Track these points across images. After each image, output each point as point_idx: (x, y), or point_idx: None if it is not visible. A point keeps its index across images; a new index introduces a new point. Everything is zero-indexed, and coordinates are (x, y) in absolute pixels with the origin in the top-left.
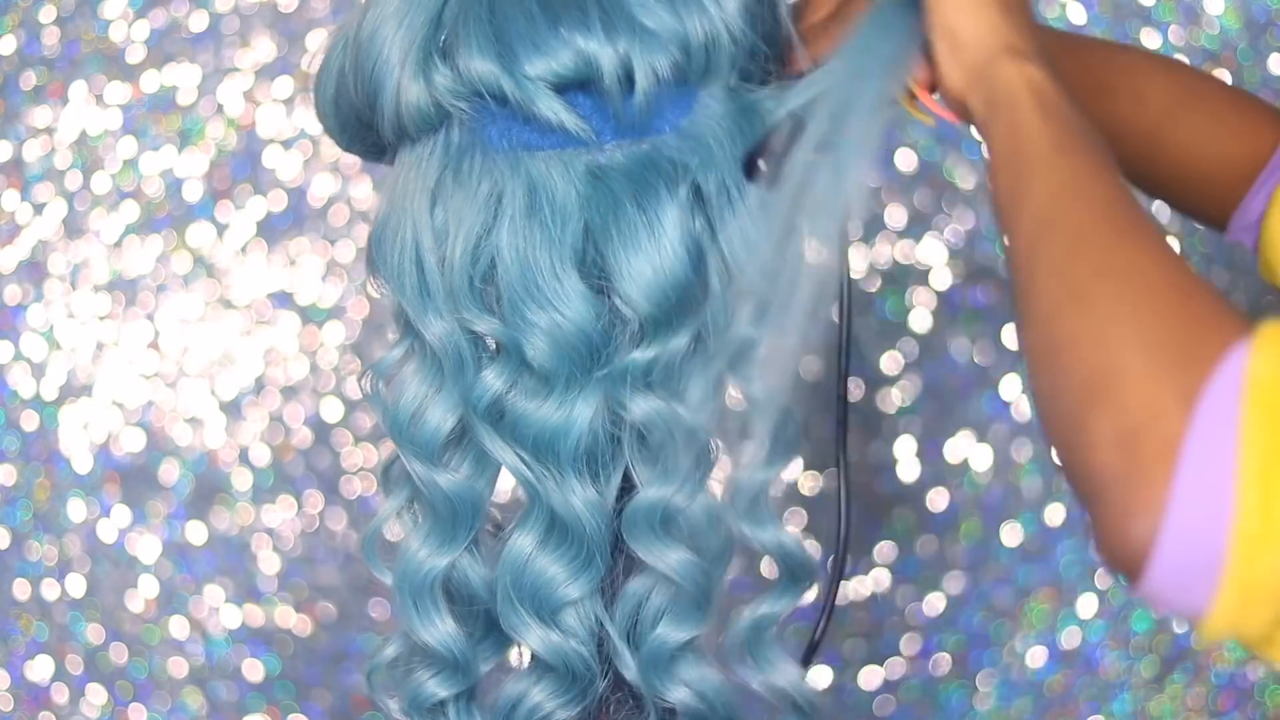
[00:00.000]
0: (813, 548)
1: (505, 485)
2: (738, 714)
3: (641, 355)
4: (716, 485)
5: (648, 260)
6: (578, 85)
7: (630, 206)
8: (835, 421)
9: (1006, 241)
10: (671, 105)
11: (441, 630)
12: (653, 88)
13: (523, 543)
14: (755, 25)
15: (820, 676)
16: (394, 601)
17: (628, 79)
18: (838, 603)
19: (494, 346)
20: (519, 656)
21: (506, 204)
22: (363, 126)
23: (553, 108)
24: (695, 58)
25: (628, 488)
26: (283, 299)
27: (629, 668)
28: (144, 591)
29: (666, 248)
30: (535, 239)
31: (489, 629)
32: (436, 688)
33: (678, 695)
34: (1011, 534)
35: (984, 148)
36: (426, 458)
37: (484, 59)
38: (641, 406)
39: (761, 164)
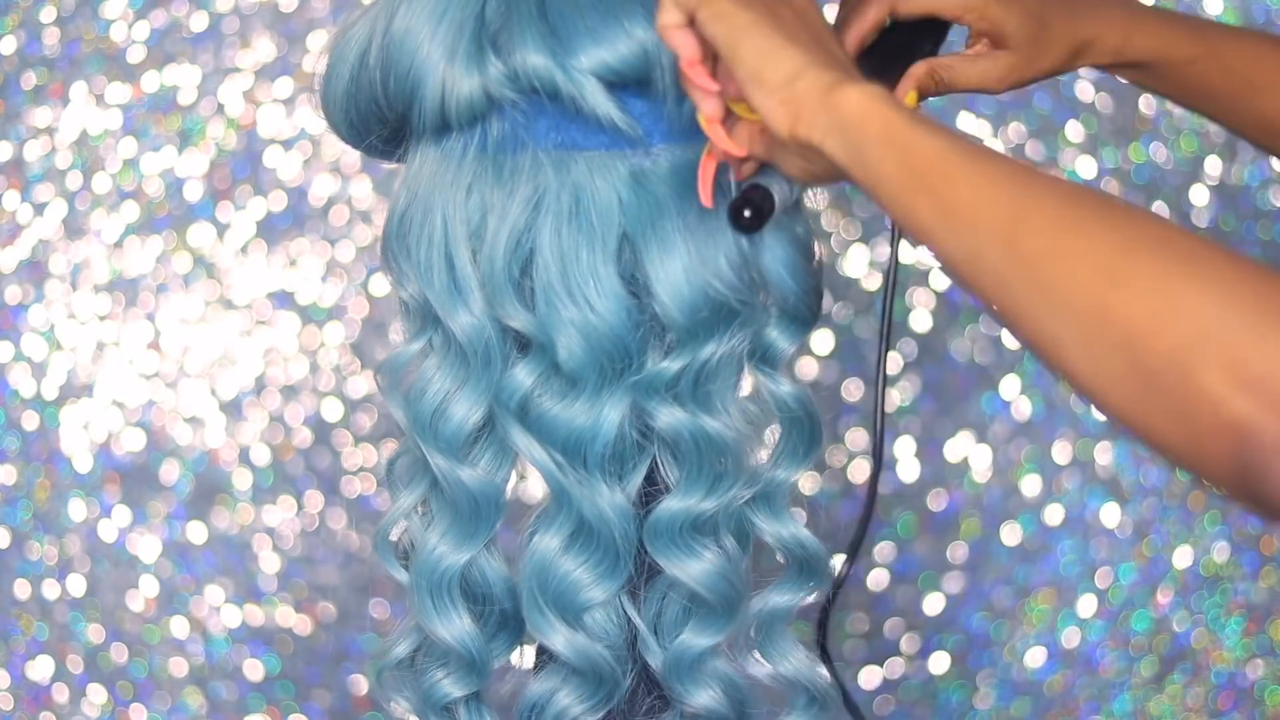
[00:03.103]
0: None
1: (535, 490)
2: (751, 714)
3: (670, 365)
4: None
5: (685, 269)
6: (631, 81)
7: (671, 213)
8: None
9: (959, 256)
10: None
11: (459, 628)
12: None
13: (548, 543)
14: None
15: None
16: (410, 598)
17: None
18: (841, 590)
19: (523, 343)
20: (519, 656)
21: (549, 202)
22: (378, 123)
23: (602, 102)
24: None
25: (653, 492)
26: (283, 299)
27: (655, 654)
28: (144, 591)
29: (702, 259)
30: (577, 238)
31: (500, 627)
32: (451, 687)
33: (701, 700)
34: (1011, 534)
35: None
36: (450, 453)
37: (537, 52)
38: (667, 417)
39: (747, 213)
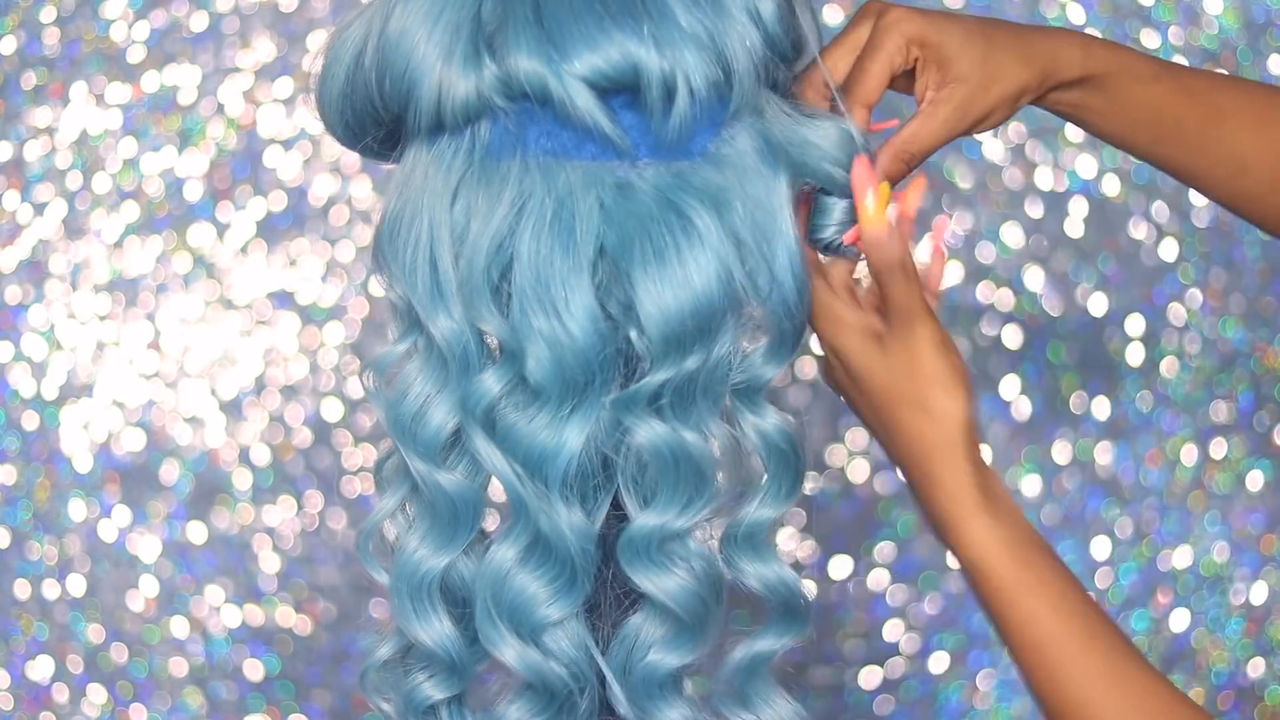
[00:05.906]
0: (810, 547)
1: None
2: None
3: (652, 379)
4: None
5: (669, 283)
6: (621, 90)
7: (657, 227)
8: None
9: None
10: (703, 129)
11: (438, 631)
12: (691, 106)
13: (504, 555)
14: (778, 49)
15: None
16: (390, 601)
17: (669, 93)
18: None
19: (497, 350)
20: None
21: (531, 209)
22: (374, 124)
23: (592, 108)
24: (733, 81)
25: (620, 516)
26: (283, 299)
27: (620, 701)
28: (144, 591)
29: (690, 272)
30: (554, 247)
31: None
32: (432, 690)
33: None
34: None
35: None
36: (428, 457)
37: (530, 57)
38: (647, 431)
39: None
